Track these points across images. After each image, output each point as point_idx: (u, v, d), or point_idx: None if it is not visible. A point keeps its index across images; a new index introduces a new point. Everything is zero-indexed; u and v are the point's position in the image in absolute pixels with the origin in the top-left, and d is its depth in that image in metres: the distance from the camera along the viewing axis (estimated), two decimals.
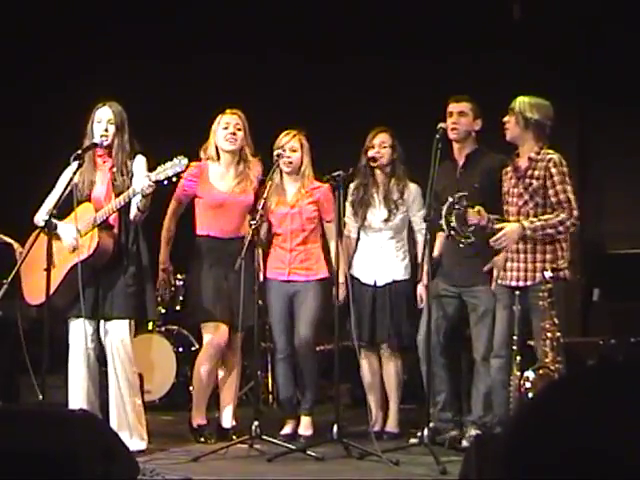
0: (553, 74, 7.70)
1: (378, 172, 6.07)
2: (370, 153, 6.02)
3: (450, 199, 5.27)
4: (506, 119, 5.43)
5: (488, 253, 5.56)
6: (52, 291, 5.21)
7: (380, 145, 6.02)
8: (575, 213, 5.27)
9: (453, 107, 5.76)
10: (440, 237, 5.79)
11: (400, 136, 6.12)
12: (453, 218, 5.23)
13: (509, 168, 5.51)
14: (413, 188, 6.07)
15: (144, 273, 5.50)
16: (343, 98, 8.10)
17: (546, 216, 5.27)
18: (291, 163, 5.96)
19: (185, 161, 5.15)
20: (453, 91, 5.93)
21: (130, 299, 5.41)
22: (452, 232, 5.33)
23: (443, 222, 5.26)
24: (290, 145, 5.97)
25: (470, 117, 5.76)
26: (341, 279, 5.79)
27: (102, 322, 5.42)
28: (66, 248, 5.36)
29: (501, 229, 5.22)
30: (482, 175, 5.66)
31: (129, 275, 5.42)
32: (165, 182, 5.17)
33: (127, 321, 5.43)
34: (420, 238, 6.03)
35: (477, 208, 5.32)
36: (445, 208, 5.24)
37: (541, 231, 5.24)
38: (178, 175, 5.20)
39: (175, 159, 5.14)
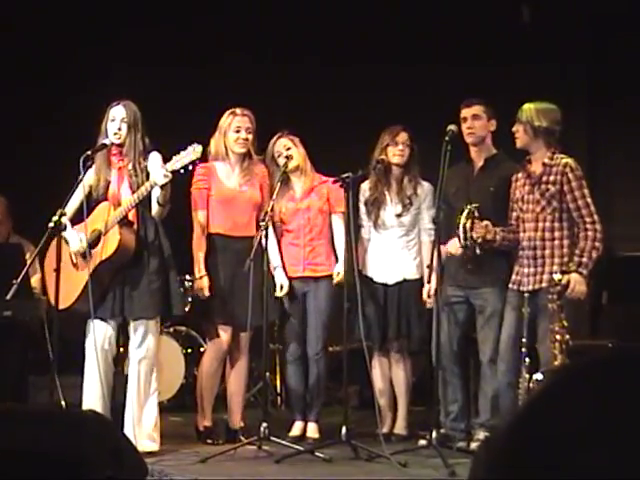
0: (563, 77, 7.70)
1: (393, 170, 6.07)
2: (391, 151, 5.99)
3: (468, 207, 5.29)
4: (514, 129, 5.44)
5: (495, 256, 5.57)
6: (77, 294, 5.25)
7: (403, 144, 6.02)
8: (596, 218, 5.30)
9: (466, 112, 5.75)
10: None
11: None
12: (468, 226, 5.26)
13: (520, 175, 5.51)
14: (426, 185, 6.07)
15: (167, 268, 5.49)
16: (351, 100, 8.09)
17: (580, 245, 5.28)
18: (292, 160, 5.97)
19: (199, 148, 5.13)
20: (462, 94, 5.92)
21: (154, 297, 5.41)
22: (464, 240, 5.33)
23: (460, 229, 5.27)
24: (284, 144, 6.01)
25: (484, 119, 5.75)
26: (343, 268, 5.80)
27: (129, 322, 5.43)
28: (78, 252, 5.38)
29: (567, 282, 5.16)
30: (499, 181, 5.65)
31: (152, 272, 5.41)
32: (182, 171, 5.14)
33: (153, 321, 5.45)
34: (426, 238, 6.03)
35: (485, 223, 5.35)
36: (464, 216, 5.26)
37: (592, 263, 5.26)
38: (194, 163, 5.17)
39: (189, 147, 5.14)
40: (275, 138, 6.06)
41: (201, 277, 5.83)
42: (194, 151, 5.13)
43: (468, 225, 5.30)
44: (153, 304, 5.41)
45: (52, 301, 5.40)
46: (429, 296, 5.78)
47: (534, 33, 7.82)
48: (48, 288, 5.50)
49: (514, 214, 5.52)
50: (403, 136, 6.02)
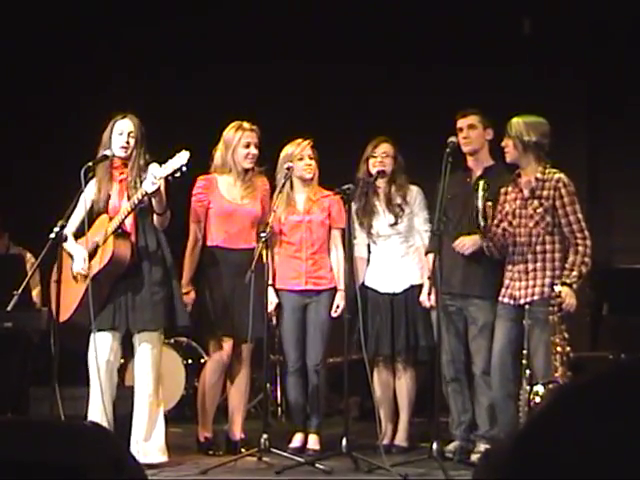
0: (563, 89, 7.72)
1: (379, 181, 6.07)
2: (372, 162, 6.00)
3: (483, 181, 5.27)
4: (504, 143, 5.44)
5: (487, 267, 5.61)
6: (75, 306, 5.25)
7: (382, 155, 6.03)
8: (587, 233, 5.31)
9: (462, 122, 5.78)
10: (429, 257, 5.82)
11: (402, 148, 6.13)
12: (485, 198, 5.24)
13: (510, 188, 5.50)
14: (414, 189, 6.10)
15: (170, 279, 5.49)
16: (343, 108, 8.10)
17: (570, 259, 5.28)
18: (311, 171, 5.99)
19: (186, 154, 5.11)
20: (461, 105, 5.93)
21: (158, 308, 5.40)
22: (479, 209, 5.28)
23: (479, 197, 5.23)
24: (308, 153, 5.98)
25: (480, 128, 5.78)
26: (342, 287, 5.83)
27: (133, 333, 5.43)
28: (78, 268, 5.38)
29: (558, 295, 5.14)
30: (497, 193, 5.64)
31: (155, 283, 5.40)
32: (170, 178, 5.14)
33: (156, 333, 5.45)
34: (419, 241, 6.02)
35: (490, 204, 5.34)
36: (481, 187, 5.23)
37: (582, 275, 5.26)
38: (181, 170, 5.12)
39: (176, 155, 5.14)
40: (305, 142, 5.98)
41: (187, 292, 5.82)
42: (181, 157, 5.12)
43: (484, 199, 5.27)
44: (157, 316, 5.40)
45: (53, 313, 5.40)
46: (431, 307, 5.78)
47: (535, 46, 7.84)
48: (49, 299, 5.50)
49: (501, 225, 5.50)
50: (382, 147, 6.03)
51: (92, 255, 5.40)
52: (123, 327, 5.40)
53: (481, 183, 5.30)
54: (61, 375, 5.05)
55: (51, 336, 5.15)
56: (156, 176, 5.11)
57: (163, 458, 5.42)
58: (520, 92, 7.26)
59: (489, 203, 5.34)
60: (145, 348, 5.41)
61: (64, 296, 5.12)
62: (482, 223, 5.31)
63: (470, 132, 5.76)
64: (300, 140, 6.01)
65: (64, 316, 5.30)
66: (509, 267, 5.45)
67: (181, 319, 5.54)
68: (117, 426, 5.37)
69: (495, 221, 5.46)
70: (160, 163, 5.45)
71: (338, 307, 5.88)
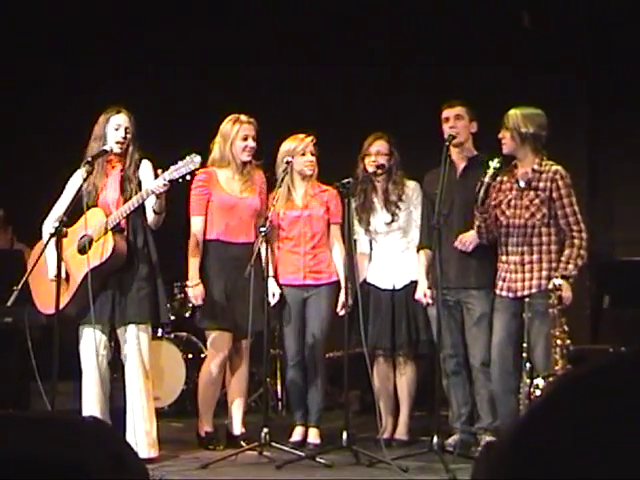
0: (563, 83, 7.70)
1: (377, 177, 6.06)
2: (367, 161, 6.00)
3: (496, 159, 5.25)
4: (501, 135, 5.42)
5: (482, 258, 5.60)
6: (68, 299, 5.24)
7: (377, 154, 6.02)
8: (583, 226, 5.31)
9: (448, 112, 5.76)
10: (425, 254, 5.83)
11: (402, 145, 6.12)
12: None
13: (505, 179, 5.49)
14: (411, 184, 6.08)
15: (155, 275, 5.49)
16: (342, 104, 8.10)
17: (566, 253, 5.28)
18: (312, 167, 5.98)
19: (198, 158, 5.12)
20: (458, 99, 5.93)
21: (144, 303, 5.40)
22: (484, 183, 5.27)
23: (490, 170, 5.22)
24: (311, 149, 5.97)
25: (466, 120, 5.77)
26: (344, 283, 5.81)
27: (119, 327, 5.42)
28: (51, 276, 5.34)
29: (554, 290, 5.13)
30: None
31: (141, 278, 5.40)
32: (179, 180, 5.14)
33: (144, 325, 5.44)
34: (417, 236, 6.01)
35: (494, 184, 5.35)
36: (495, 161, 5.21)
37: (577, 268, 5.26)
38: (192, 173, 5.16)
39: (187, 157, 5.11)
40: (308, 139, 5.97)
41: (196, 285, 5.81)
42: (192, 161, 5.10)
43: (492, 177, 5.27)
44: (143, 310, 5.40)
45: (38, 306, 5.45)
46: (429, 303, 5.78)
47: (535, 40, 7.83)
48: (33, 293, 5.48)
49: (495, 215, 5.48)
50: (377, 144, 6.02)
51: (84, 249, 5.36)
52: (111, 321, 5.40)
53: (496, 159, 5.26)
54: (59, 370, 5.04)
55: (27, 330, 5.14)
56: (166, 178, 5.11)
57: (153, 454, 5.39)
58: (520, 89, 7.24)
59: (493, 183, 5.33)
60: (133, 342, 5.40)
61: (52, 289, 5.09)
62: (482, 197, 5.29)
63: (457, 122, 5.74)
64: (302, 135, 6.00)
65: (51, 309, 5.27)
66: (503, 258, 5.45)
67: (163, 316, 5.57)
68: (115, 420, 5.37)
69: (493, 202, 5.46)
70: (151, 160, 5.47)
71: (344, 304, 5.76)
